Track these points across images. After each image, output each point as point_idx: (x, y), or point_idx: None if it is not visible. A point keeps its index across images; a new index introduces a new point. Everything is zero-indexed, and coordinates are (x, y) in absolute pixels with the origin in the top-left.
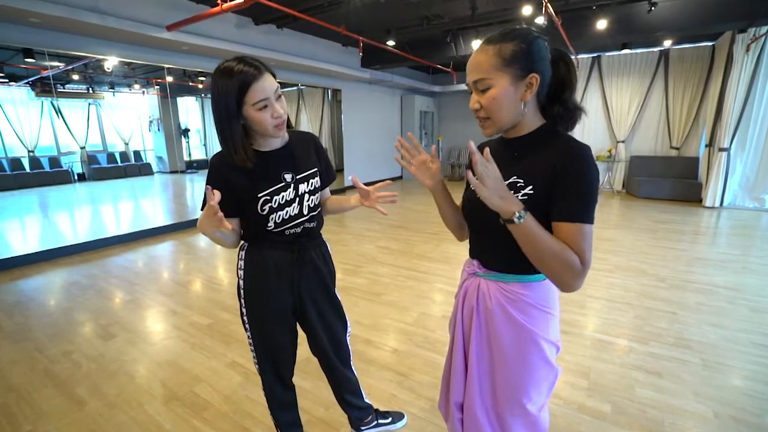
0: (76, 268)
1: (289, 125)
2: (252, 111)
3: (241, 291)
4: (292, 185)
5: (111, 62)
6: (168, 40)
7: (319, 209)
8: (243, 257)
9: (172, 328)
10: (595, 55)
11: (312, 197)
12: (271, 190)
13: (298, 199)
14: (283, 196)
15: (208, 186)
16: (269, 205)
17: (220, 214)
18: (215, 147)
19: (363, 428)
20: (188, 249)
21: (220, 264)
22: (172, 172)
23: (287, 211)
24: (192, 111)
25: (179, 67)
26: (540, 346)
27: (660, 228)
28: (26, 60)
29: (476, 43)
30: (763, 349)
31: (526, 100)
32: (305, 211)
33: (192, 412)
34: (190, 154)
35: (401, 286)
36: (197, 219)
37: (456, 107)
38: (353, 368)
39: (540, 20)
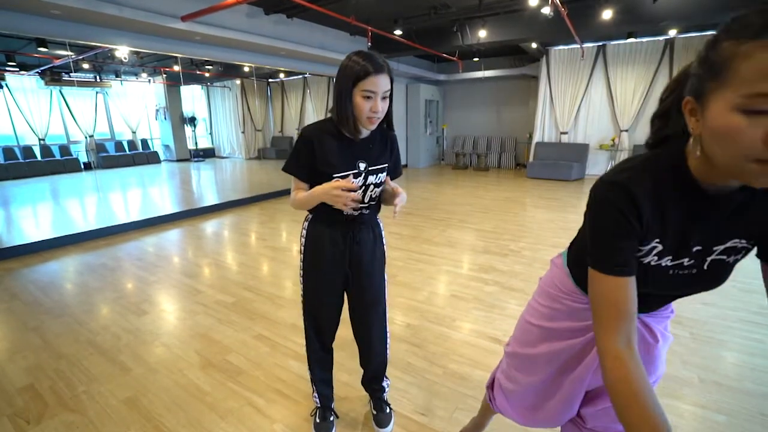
0: (100, 251)
1: (390, 126)
2: (358, 96)
3: (302, 256)
4: (363, 174)
5: (125, 52)
6: (182, 30)
7: (378, 199)
8: (306, 227)
9: (198, 305)
10: (600, 43)
11: (376, 189)
12: (344, 174)
13: (363, 187)
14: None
15: (354, 182)
16: None
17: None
18: (221, 135)
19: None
20: (201, 234)
21: (235, 248)
22: (179, 161)
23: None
24: (198, 99)
25: (191, 56)
26: None
27: None
28: (39, 49)
29: (483, 33)
30: (750, 324)
31: None
32: (366, 199)
33: (227, 376)
34: (196, 143)
35: (412, 268)
36: (206, 207)
37: (461, 96)
38: (387, 347)
39: (546, 10)
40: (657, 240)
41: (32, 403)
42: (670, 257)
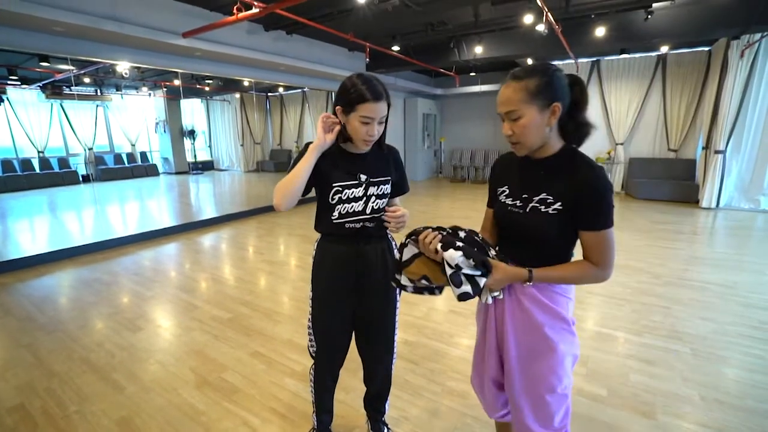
0: (96, 266)
1: (381, 145)
2: (356, 120)
3: (312, 276)
4: (364, 185)
5: (126, 67)
6: (182, 47)
7: (381, 213)
8: (315, 248)
9: (194, 321)
10: (594, 59)
11: (378, 201)
12: (344, 183)
13: (365, 198)
14: (353, 192)
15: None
16: (339, 196)
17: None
18: (220, 148)
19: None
20: (199, 248)
21: (233, 263)
22: (177, 173)
23: (353, 206)
24: (198, 113)
25: (191, 72)
26: (567, 320)
27: (658, 228)
28: (41, 64)
29: (479, 49)
30: (750, 339)
31: (551, 126)
32: (368, 211)
33: (222, 395)
34: (195, 156)
35: None
36: (204, 220)
37: (458, 110)
38: (391, 374)
39: (540, 27)
40: (506, 186)
41: (22, 423)
42: (511, 198)
